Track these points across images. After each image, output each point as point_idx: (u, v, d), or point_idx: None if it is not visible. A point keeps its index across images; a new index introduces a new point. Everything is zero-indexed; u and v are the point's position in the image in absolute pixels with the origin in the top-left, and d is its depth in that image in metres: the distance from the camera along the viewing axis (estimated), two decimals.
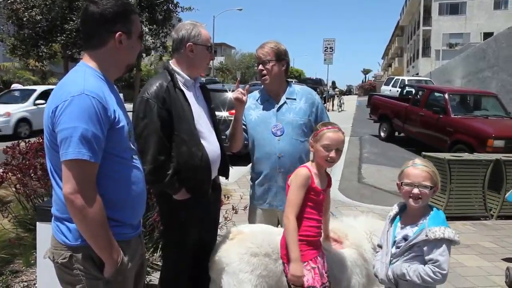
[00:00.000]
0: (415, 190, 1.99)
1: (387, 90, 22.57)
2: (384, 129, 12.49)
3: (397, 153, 10.44)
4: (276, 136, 2.63)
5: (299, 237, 2.12)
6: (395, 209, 2.17)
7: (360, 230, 2.53)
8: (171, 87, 2.25)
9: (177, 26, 2.41)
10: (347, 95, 40.68)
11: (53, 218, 1.67)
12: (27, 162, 3.53)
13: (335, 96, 27.20)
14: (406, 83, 20.10)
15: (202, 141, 2.29)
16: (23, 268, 3.53)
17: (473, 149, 7.58)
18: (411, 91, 14.88)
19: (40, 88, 13.57)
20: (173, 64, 2.37)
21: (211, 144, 2.35)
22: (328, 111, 22.17)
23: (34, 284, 3.26)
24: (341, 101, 24.92)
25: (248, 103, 2.68)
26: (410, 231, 2.02)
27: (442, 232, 1.89)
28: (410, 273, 1.95)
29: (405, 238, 2.03)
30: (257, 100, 2.76)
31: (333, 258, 2.37)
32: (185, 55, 2.32)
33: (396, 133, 12.14)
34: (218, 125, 2.50)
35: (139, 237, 1.83)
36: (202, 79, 2.54)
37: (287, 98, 2.70)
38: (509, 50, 12.60)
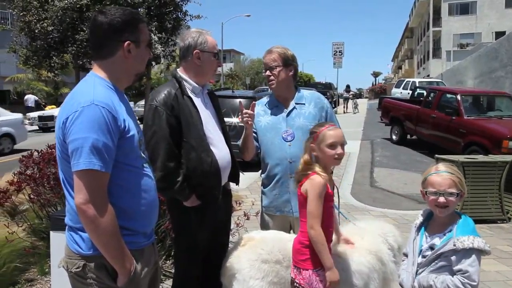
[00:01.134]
0: (441, 199, 1.92)
1: (397, 92, 22.36)
2: (396, 132, 12.37)
3: (410, 156, 10.32)
4: (287, 141, 2.62)
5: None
6: (421, 217, 2.10)
7: (375, 234, 2.50)
8: (179, 94, 2.26)
9: (183, 34, 2.43)
10: (358, 98, 40.78)
11: (66, 228, 1.68)
12: (40, 172, 3.58)
13: (349, 98, 27.76)
14: (417, 85, 19.89)
15: (211, 147, 2.29)
16: (38, 276, 3.56)
17: (488, 151, 7.45)
18: (422, 93, 14.72)
19: None
20: (180, 72, 2.38)
21: (220, 150, 2.35)
22: (344, 113, 22.48)
23: None
24: (356, 103, 26.12)
25: (257, 110, 2.68)
26: (437, 240, 1.96)
27: (471, 241, 1.82)
28: (437, 284, 1.88)
29: (431, 247, 1.97)
30: (266, 106, 2.75)
31: (350, 265, 2.34)
32: (192, 62, 2.34)
33: (408, 136, 12.01)
34: (227, 131, 2.51)
35: (153, 245, 1.83)
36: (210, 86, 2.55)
37: (296, 103, 2.69)
38: None
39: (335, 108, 26.14)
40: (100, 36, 1.66)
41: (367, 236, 2.47)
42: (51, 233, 2.69)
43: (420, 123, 10.84)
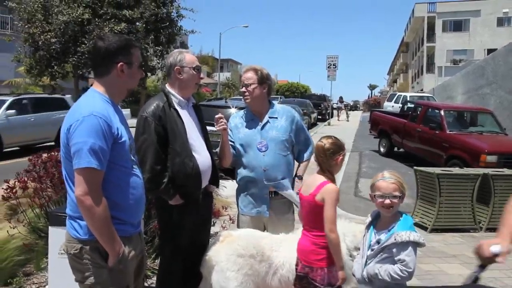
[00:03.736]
0: (387, 201, 2.27)
1: (389, 106, 22.84)
2: (384, 144, 12.72)
3: (395, 168, 10.63)
4: (261, 151, 2.94)
5: (326, 244, 2.41)
6: (370, 217, 2.45)
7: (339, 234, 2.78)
8: (167, 107, 2.59)
9: (168, 55, 2.78)
10: (353, 110, 41.61)
11: (67, 217, 1.99)
12: (47, 171, 3.88)
13: (341, 108, 32.28)
14: (408, 99, 20.35)
15: (194, 153, 2.62)
16: (34, 271, 3.83)
17: (467, 164, 7.77)
18: (412, 107, 15.12)
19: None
20: (168, 87, 2.73)
21: (202, 156, 2.67)
22: (338, 121, 24.62)
23: (45, 286, 3.56)
24: (348, 113, 32.07)
25: (235, 122, 3.03)
26: (382, 235, 2.30)
27: (408, 235, 2.17)
28: (381, 272, 2.22)
29: (378, 242, 2.30)
30: (243, 119, 3.08)
31: None
32: (175, 78, 2.68)
33: (395, 149, 12.36)
34: (209, 140, 2.83)
35: (139, 235, 2.15)
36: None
37: (269, 117, 3.02)
38: (506, 68, 12.87)
39: (329, 120, 26.55)
40: (98, 58, 2.01)
41: None
42: (50, 228, 2.97)
43: (406, 136, 11.21)
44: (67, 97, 13.30)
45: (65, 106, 12.41)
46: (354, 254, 2.70)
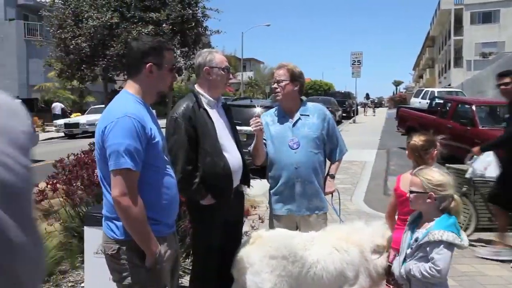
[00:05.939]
0: (407, 195, 2.31)
1: (416, 102, 22.33)
2: None
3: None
4: (293, 149, 2.91)
5: None
6: (414, 215, 2.43)
7: (367, 233, 2.73)
8: (196, 107, 2.60)
9: (196, 54, 2.78)
10: (378, 107, 41.24)
11: (103, 218, 2.02)
12: (75, 174, 3.97)
13: (367, 105, 35.57)
14: (436, 95, 19.86)
15: (224, 153, 2.61)
16: (69, 269, 3.93)
17: None
18: (441, 103, 14.75)
19: None
20: (197, 87, 2.72)
21: (232, 156, 2.66)
22: (364, 115, 26.18)
23: (80, 283, 3.64)
24: (374, 109, 35.63)
25: (266, 120, 3.00)
26: (420, 233, 2.27)
27: (441, 234, 2.14)
28: (414, 270, 2.21)
29: (416, 240, 2.28)
30: (274, 116, 3.06)
31: (344, 257, 2.60)
32: (204, 78, 2.67)
33: None
34: (239, 139, 2.82)
35: (174, 235, 2.16)
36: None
37: (301, 115, 2.99)
38: None
39: (354, 117, 26.26)
40: (130, 58, 2.04)
41: (359, 234, 2.72)
42: (85, 228, 3.04)
43: (436, 133, 10.87)
44: None
45: None
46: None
